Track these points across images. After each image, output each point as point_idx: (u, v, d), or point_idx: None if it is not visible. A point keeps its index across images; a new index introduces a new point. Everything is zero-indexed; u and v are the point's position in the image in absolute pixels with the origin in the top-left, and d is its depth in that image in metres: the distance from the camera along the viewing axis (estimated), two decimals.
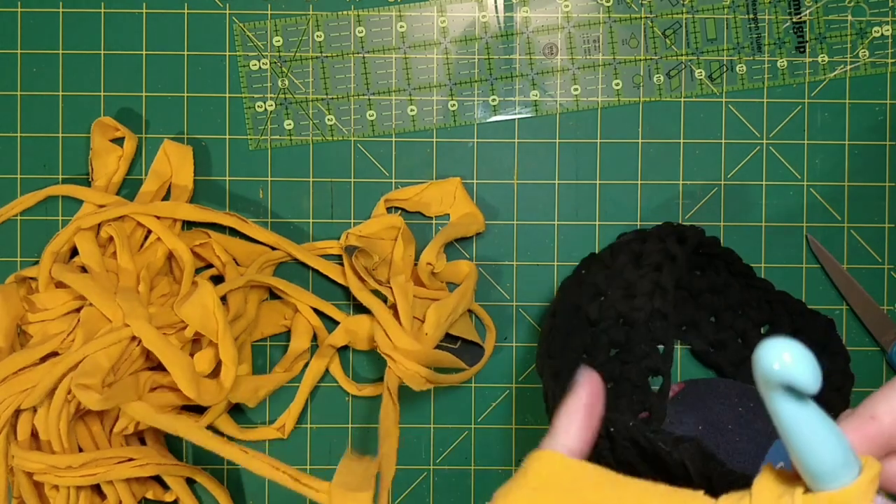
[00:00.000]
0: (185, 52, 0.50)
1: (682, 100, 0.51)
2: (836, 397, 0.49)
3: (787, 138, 0.51)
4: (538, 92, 0.50)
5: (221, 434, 0.49)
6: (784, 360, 0.20)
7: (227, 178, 0.50)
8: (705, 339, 0.49)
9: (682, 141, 0.51)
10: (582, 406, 0.26)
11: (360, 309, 0.50)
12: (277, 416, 0.50)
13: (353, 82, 0.50)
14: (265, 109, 0.50)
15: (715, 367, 0.50)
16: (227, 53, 0.50)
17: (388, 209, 0.50)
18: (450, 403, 0.51)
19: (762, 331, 0.50)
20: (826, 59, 0.51)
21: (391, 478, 0.43)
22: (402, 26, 0.50)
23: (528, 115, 0.50)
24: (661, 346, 0.42)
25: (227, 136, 0.50)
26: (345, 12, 0.50)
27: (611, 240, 0.50)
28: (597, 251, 0.50)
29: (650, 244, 0.45)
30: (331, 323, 0.50)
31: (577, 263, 0.50)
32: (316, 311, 0.50)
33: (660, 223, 0.50)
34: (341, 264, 0.50)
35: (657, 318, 0.42)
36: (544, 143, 0.51)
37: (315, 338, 0.50)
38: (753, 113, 0.51)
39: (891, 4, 0.51)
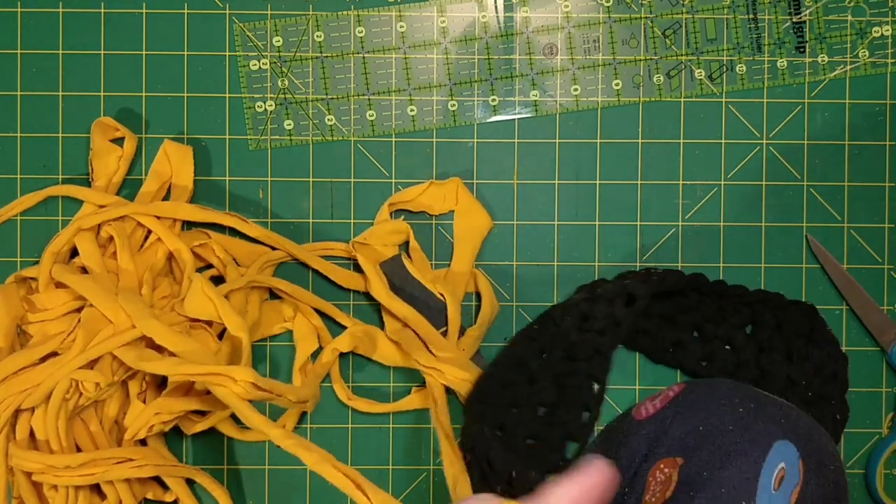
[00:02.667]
0: (185, 52, 0.50)
1: (682, 100, 0.51)
2: (833, 384, 0.49)
3: (787, 138, 0.51)
4: (538, 92, 0.50)
5: (221, 434, 0.49)
6: None
7: (227, 178, 0.50)
8: (694, 355, 0.49)
9: (682, 141, 0.51)
10: (591, 490, 0.24)
11: (361, 310, 0.50)
12: (276, 417, 0.50)
13: (353, 82, 0.50)
14: (265, 109, 0.50)
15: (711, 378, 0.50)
16: (227, 53, 0.50)
17: (392, 213, 0.50)
18: (450, 403, 0.50)
19: (747, 331, 0.50)
20: (826, 59, 0.51)
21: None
22: (402, 26, 0.50)
23: (528, 115, 0.50)
24: (586, 413, 0.43)
25: (227, 136, 0.50)
26: (345, 12, 0.50)
27: (611, 240, 0.50)
28: (596, 252, 0.50)
29: (598, 306, 0.45)
30: (331, 322, 0.50)
31: (576, 263, 0.50)
32: (316, 310, 0.50)
33: (658, 224, 0.50)
34: (343, 266, 0.50)
35: (587, 385, 0.43)
36: (544, 143, 0.51)
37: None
38: (753, 113, 0.51)
39: (891, 4, 0.51)
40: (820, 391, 0.48)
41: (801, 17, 0.51)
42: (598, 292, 0.46)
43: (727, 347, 0.49)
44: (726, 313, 0.49)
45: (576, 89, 0.50)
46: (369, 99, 0.50)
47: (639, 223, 0.51)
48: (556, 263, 0.51)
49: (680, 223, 0.51)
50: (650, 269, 0.49)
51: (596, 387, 0.43)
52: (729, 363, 0.49)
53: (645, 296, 0.44)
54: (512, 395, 0.45)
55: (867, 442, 0.51)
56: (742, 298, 0.49)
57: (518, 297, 0.50)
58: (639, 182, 0.51)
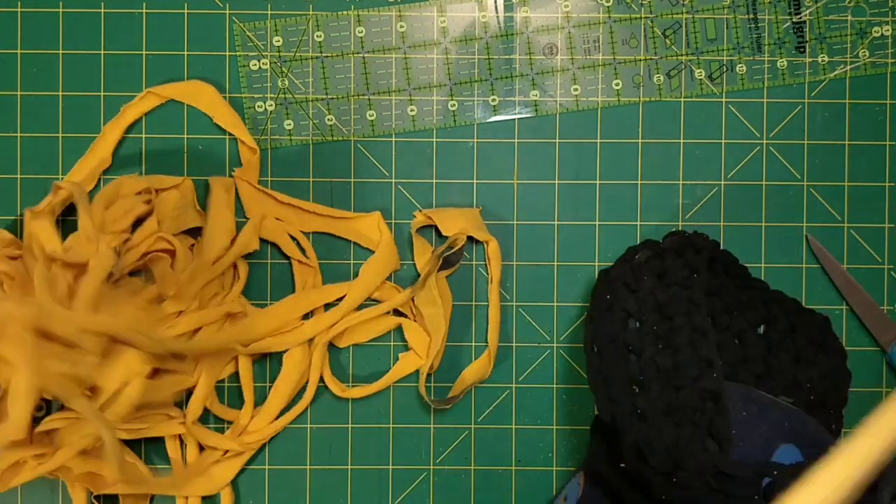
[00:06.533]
0: (185, 52, 0.50)
1: (682, 100, 0.51)
2: (833, 395, 0.49)
3: (787, 138, 0.51)
4: (538, 92, 0.50)
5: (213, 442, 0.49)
6: None
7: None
8: None
9: (682, 141, 0.51)
10: None
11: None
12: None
13: (353, 82, 0.50)
14: (265, 109, 0.50)
15: None
16: (227, 53, 0.50)
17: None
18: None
19: (759, 330, 0.50)
20: (826, 59, 0.51)
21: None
22: (402, 26, 0.50)
23: (528, 115, 0.50)
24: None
25: (227, 136, 0.50)
26: (345, 12, 0.50)
27: (611, 240, 0.50)
28: (596, 252, 0.50)
29: (669, 260, 0.44)
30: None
31: (576, 263, 0.50)
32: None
33: (658, 224, 0.50)
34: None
35: (698, 337, 0.41)
36: (544, 143, 0.51)
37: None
38: (753, 113, 0.51)
39: (891, 4, 0.51)
40: (823, 397, 0.48)
41: (801, 17, 0.51)
42: (659, 249, 0.46)
43: (736, 342, 0.49)
44: (743, 308, 0.49)
45: (576, 89, 0.50)
46: (369, 99, 0.50)
47: (639, 223, 0.51)
48: (556, 263, 0.51)
49: (680, 223, 0.51)
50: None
51: (705, 339, 0.41)
52: (735, 357, 0.49)
53: (706, 247, 0.44)
54: (625, 374, 0.42)
55: None
56: (761, 294, 0.49)
57: (518, 297, 0.50)
58: (639, 182, 0.51)
